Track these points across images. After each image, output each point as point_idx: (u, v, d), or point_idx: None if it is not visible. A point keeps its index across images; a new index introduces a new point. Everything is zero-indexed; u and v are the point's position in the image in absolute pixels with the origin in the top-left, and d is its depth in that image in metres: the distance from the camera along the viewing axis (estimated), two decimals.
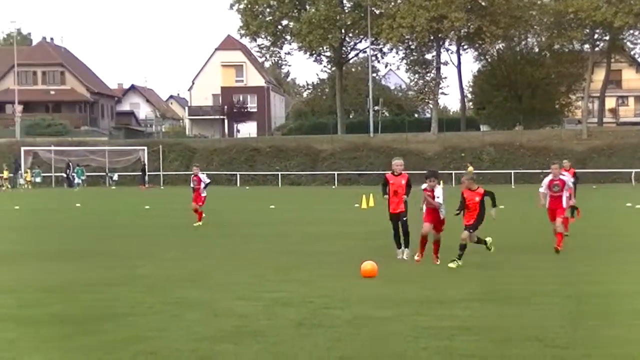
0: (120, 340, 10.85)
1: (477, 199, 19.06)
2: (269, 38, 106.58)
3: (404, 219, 20.42)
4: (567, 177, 23.00)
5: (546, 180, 22.51)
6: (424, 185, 19.88)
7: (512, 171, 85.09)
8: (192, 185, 33.31)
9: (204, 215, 32.81)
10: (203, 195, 32.63)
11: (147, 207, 47.88)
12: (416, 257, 19.70)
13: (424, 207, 19.86)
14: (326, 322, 12.09)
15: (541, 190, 22.61)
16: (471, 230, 18.94)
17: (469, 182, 19.42)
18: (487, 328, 11.56)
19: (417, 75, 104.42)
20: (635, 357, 10.00)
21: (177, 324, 12.05)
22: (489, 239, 19.64)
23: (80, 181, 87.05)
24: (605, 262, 19.80)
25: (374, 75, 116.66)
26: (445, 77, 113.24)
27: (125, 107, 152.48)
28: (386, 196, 20.61)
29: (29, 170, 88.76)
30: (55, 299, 14.35)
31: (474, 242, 19.26)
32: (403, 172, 20.84)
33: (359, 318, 12.37)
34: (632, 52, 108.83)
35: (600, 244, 24.51)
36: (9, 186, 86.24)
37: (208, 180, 33.61)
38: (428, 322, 12.00)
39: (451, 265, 18.55)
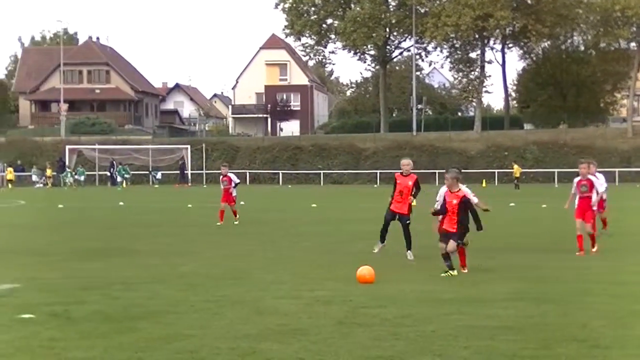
0: (160, 338, 10.83)
1: (455, 201, 16.90)
2: (313, 37, 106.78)
3: (407, 222, 19.92)
4: (598, 180, 22.11)
5: (575, 180, 21.73)
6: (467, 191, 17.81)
7: (556, 170, 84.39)
8: (222, 185, 32.72)
9: (237, 214, 32.60)
10: (234, 195, 32.44)
11: (189, 205, 48.05)
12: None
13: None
14: (366, 320, 12.01)
15: (572, 191, 21.85)
16: (459, 242, 16.96)
17: (452, 180, 17.19)
18: (529, 327, 11.42)
19: (461, 74, 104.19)
20: None
21: (218, 322, 12.02)
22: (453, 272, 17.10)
23: (122, 179, 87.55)
24: None
25: (418, 73, 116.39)
26: (490, 76, 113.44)
27: (169, 105, 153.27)
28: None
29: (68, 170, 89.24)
30: (95, 297, 14.38)
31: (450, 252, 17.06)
32: (412, 172, 20.09)
33: (399, 317, 12.27)
34: None
35: None
36: (65, 183, 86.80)
37: (238, 181, 33.40)
38: (469, 321, 11.87)
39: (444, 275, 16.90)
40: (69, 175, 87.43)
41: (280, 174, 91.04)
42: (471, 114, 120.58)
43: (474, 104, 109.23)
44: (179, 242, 25.44)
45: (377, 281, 15.91)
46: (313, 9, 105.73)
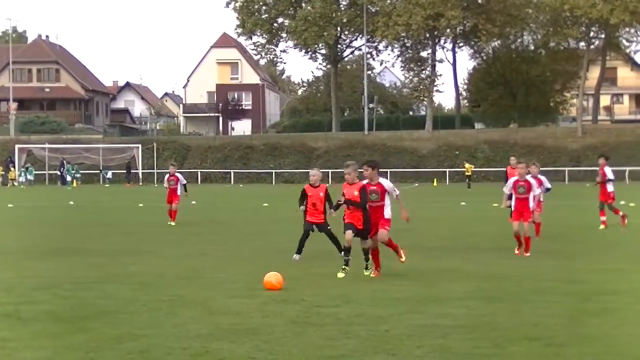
0: (111, 338, 10.71)
1: (356, 192, 16.50)
2: (264, 36, 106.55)
3: (328, 228, 19.82)
4: (535, 183, 21.59)
5: (511, 180, 21.31)
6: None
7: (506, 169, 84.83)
8: (168, 184, 32.01)
9: (176, 217, 31.71)
10: (179, 194, 31.85)
11: (140, 205, 47.73)
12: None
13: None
14: (319, 320, 11.96)
15: (505, 191, 21.45)
16: (365, 236, 16.65)
17: (354, 172, 16.78)
18: (482, 326, 11.44)
19: (412, 73, 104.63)
20: (635, 356, 9.87)
21: (170, 321, 11.92)
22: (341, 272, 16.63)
23: (72, 179, 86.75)
24: (602, 260, 19.67)
25: (369, 72, 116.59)
26: (441, 75, 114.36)
27: (120, 104, 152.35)
28: (302, 207, 19.68)
29: (12, 169, 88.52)
30: (46, 297, 14.20)
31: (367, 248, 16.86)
32: (321, 183, 20.04)
33: (352, 316, 12.24)
34: (627, 50, 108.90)
35: (598, 242, 24.41)
36: (6, 183, 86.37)
37: (185, 181, 32.80)
38: (423, 320, 11.87)
39: (340, 275, 16.46)
40: (22, 174, 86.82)
41: (232, 173, 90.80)
42: (422, 113, 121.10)
43: (425, 103, 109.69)
44: (130, 242, 25.24)
45: (330, 280, 15.85)
46: (264, 7, 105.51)
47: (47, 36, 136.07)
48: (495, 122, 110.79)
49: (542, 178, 24.53)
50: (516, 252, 20.72)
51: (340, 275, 16.45)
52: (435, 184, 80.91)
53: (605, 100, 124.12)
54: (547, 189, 24.81)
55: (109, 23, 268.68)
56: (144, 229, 30.66)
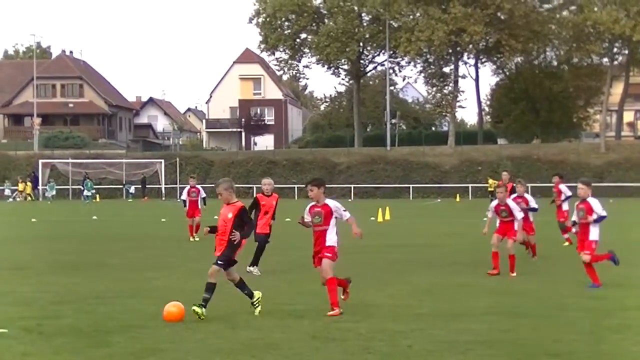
0: (132, 353, 10.79)
1: (230, 215, 13.95)
2: (287, 51, 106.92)
3: (268, 241, 20.62)
4: (515, 207, 20.59)
5: (492, 204, 20.85)
6: None
7: (529, 185, 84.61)
8: (190, 197, 31.88)
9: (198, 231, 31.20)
10: (200, 207, 31.91)
11: (163, 219, 47.87)
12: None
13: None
14: (340, 335, 12.01)
15: (489, 214, 20.94)
16: (220, 263, 13.87)
17: (227, 192, 14.13)
18: (503, 342, 11.45)
19: (434, 89, 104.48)
20: None
21: (192, 336, 12.00)
22: (256, 294, 14.27)
23: (90, 194, 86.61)
24: (628, 276, 19.57)
25: (392, 88, 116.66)
26: (463, 91, 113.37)
27: (143, 119, 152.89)
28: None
29: (27, 184, 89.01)
30: (68, 311, 14.31)
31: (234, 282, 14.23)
32: (274, 193, 20.86)
33: (372, 332, 12.28)
34: None
35: (622, 257, 24.26)
36: (31, 197, 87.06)
37: (204, 194, 32.76)
38: (444, 336, 11.90)
39: (196, 309, 13.50)
40: (48, 189, 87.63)
41: (254, 188, 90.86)
42: (445, 128, 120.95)
43: (448, 118, 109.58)
44: (152, 256, 25.32)
45: (353, 296, 15.89)
46: (287, 23, 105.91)
47: (71, 52, 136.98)
48: (518, 138, 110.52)
49: (529, 197, 23.76)
50: (489, 272, 19.84)
51: (196, 309, 13.47)
52: (457, 199, 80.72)
53: (628, 116, 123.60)
54: (533, 209, 23.40)
55: (132, 39, 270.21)
56: (166, 243, 30.73)
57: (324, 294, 16.08)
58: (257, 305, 13.97)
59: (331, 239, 14.51)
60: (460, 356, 10.54)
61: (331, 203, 14.65)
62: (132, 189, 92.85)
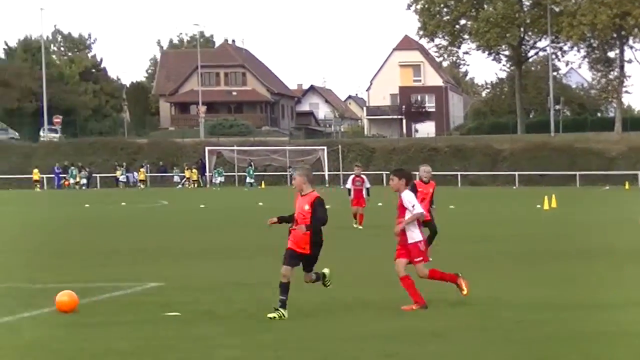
0: (298, 338, 11.23)
1: (307, 207, 13.38)
2: (446, 38, 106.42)
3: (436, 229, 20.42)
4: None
5: None
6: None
7: None
8: (354, 186, 31.52)
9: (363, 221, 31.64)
10: (365, 196, 31.72)
11: (328, 206, 48.44)
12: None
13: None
14: (491, 324, 12.26)
15: None
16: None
17: (301, 180, 13.52)
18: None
19: (599, 74, 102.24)
20: None
21: (351, 321, 12.39)
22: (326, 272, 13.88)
23: (253, 181, 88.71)
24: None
25: (555, 73, 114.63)
26: (630, 76, 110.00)
27: (304, 107, 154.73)
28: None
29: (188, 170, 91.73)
30: (242, 296, 15.01)
31: None
32: (432, 180, 20.93)
33: (523, 321, 12.44)
34: None
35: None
36: (199, 184, 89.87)
37: (369, 185, 32.44)
38: (587, 326, 12.01)
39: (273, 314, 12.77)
40: (216, 174, 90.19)
41: (416, 175, 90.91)
42: (611, 114, 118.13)
43: (614, 104, 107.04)
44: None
45: (503, 282, 15.94)
46: (445, 9, 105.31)
47: (233, 40, 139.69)
48: None
49: None
50: None
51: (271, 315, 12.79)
52: (627, 186, 78.81)
53: None
54: None
55: (293, 27, 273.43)
56: (330, 231, 31.04)
57: (482, 282, 16.19)
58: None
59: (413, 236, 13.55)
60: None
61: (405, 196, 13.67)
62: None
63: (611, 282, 16.79)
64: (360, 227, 31.30)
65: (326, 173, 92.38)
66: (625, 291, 15.36)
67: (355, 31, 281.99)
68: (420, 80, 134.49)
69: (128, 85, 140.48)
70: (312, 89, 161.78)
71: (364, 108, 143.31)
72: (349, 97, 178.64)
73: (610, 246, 24.06)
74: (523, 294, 15.21)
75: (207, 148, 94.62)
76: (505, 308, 13.63)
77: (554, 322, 12.36)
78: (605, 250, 22.99)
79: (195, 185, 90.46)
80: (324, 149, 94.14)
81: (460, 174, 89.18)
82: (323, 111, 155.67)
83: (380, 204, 43.32)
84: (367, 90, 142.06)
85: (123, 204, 54.32)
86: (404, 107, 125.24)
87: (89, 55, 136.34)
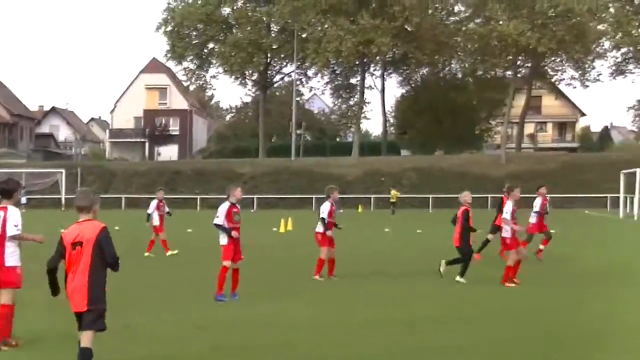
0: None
1: None
2: (194, 61, 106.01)
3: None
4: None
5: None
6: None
7: (430, 196, 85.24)
8: (158, 211, 30.11)
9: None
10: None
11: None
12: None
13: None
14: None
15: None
16: None
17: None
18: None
19: (340, 100, 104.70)
20: None
21: None
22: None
23: None
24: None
25: (298, 99, 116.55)
26: (369, 102, 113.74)
27: (45, 129, 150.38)
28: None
29: None
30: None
31: None
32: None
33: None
34: (552, 79, 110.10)
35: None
36: None
37: (167, 209, 30.92)
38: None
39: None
40: None
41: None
42: (350, 139, 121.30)
43: (353, 129, 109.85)
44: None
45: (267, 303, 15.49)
46: (195, 33, 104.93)
47: None
48: (422, 149, 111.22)
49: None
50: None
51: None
52: (360, 210, 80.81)
53: (529, 128, 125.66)
54: None
55: (36, 47, 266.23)
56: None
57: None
58: None
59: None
60: None
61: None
62: (23, 199, 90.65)
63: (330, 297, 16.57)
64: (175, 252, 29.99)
65: (63, 196, 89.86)
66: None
67: (101, 53, 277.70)
68: (165, 103, 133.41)
69: None
70: (53, 110, 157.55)
71: (107, 131, 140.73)
72: (92, 119, 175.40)
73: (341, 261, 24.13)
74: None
75: None
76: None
77: None
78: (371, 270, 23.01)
79: None
80: (62, 172, 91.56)
81: (200, 197, 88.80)
82: (64, 133, 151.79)
83: (117, 227, 42.21)
84: (111, 112, 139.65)
85: None
86: (147, 130, 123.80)
87: None
